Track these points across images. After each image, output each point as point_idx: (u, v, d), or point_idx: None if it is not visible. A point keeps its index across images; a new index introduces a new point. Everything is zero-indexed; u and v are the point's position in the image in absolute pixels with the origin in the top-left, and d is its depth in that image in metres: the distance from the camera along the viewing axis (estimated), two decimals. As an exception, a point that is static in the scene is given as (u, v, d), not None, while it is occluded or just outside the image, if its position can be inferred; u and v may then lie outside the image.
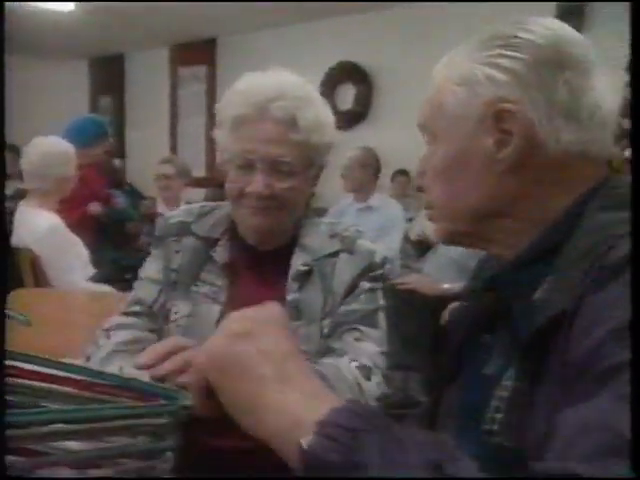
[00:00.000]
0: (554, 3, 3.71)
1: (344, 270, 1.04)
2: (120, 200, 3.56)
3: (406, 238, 3.22)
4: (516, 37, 0.63)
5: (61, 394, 0.53)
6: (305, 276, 1.04)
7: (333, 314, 1.02)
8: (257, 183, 0.99)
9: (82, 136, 3.11)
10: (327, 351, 1.00)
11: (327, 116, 1.05)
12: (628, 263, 0.52)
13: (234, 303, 1.02)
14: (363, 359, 0.96)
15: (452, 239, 0.73)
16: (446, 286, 2.24)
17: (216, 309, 1.03)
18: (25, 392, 0.54)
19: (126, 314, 1.07)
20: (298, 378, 0.49)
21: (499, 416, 0.61)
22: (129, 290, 1.15)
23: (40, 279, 2.30)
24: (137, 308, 1.06)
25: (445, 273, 2.36)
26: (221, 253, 1.07)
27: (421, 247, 3.09)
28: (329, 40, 4.97)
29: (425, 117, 0.70)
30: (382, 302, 1.06)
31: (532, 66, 0.62)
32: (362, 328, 1.01)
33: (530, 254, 0.64)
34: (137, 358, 0.73)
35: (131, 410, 0.53)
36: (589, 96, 0.63)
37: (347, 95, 4.99)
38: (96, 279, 2.38)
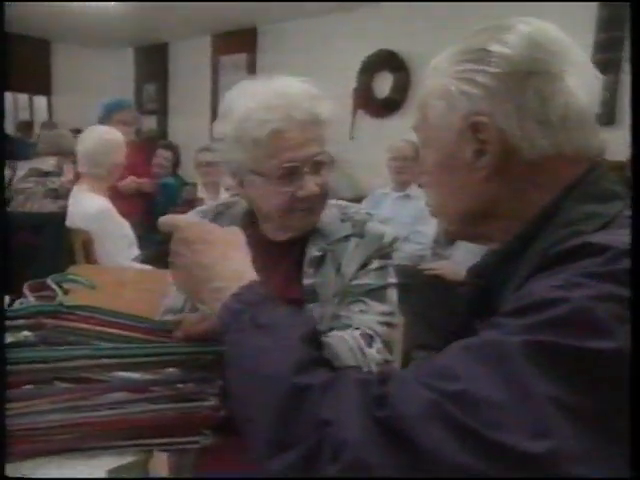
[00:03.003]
0: (594, 14, 3.66)
1: (355, 254, 1.09)
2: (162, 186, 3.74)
3: (439, 226, 3.28)
4: (486, 50, 0.67)
5: (127, 337, 0.67)
6: (319, 260, 1.09)
7: (343, 291, 1.07)
8: (309, 185, 1.04)
9: (102, 112, 3.40)
10: (333, 318, 1.06)
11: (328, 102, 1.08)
12: (563, 257, 0.55)
13: None
14: (365, 329, 1.02)
15: (453, 236, 0.79)
16: (472, 272, 2.31)
17: None
18: (86, 335, 0.68)
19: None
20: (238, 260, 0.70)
21: None
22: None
23: (91, 258, 2.48)
24: (169, 316, 1.11)
25: (472, 261, 2.43)
26: None
27: (453, 235, 3.14)
28: (367, 29, 5.01)
29: (415, 123, 0.76)
30: (392, 279, 1.11)
31: (501, 78, 0.65)
32: (368, 301, 1.06)
33: (507, 248, 0.68)
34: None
35: (187, 348, 0.68)
36: (560, 99, 0.65)
37: (384, 83, 5.03)
38: (139, 260, 2.54)
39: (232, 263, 0.69)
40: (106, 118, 3.35)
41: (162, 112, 6.93)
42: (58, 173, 3.10)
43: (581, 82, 0.66)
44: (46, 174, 3.04)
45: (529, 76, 0.65)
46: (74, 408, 0.62)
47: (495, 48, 0.66)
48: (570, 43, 0.68)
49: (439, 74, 0.71)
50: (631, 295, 0.50)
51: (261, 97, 1.03)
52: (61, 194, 2.92)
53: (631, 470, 0.46)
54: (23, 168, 3.07)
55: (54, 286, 0.70)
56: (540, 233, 0.64)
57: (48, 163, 3.14)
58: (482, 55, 0.67)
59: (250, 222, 1.16)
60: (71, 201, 2.64)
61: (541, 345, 0.49)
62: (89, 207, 2.51)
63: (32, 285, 0.72)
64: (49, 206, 2.91)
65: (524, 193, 0.67)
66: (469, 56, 0.68)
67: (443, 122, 0.69)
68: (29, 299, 0.69)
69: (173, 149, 4.57)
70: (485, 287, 0.72)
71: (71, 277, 0.75)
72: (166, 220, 0.75)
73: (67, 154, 3.23)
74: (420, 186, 0.79)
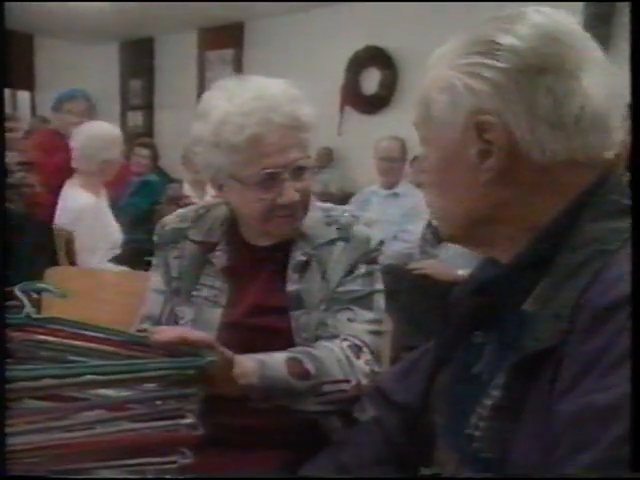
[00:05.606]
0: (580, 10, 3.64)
1: (341, 258, 1.06)
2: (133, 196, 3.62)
3: (428, 224, 3.26)
4: (495, 42, 0.61)
5: (100, 351, 0.63)
6: (304, 265, 1.05)
7: (330, 298, 1.05)
8: (288, 192, 0.99)
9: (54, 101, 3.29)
10: (320, 325, 1.03)
11: (310, 104, 1.04)
12: (623, 304, 0.51)
13: (235, 304, 1.06)
14: (354, 339, 1.00)
15: (453, 240, 0.73)
16: (460, 272, 2.29)
17: (217, 312, 1.05)
18: (57, 349, 0.64)
19: (139, 332, 1.03)
20: None
21: (482, 424, 0.62)
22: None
23: (72, 257, 2.42)
24: (147, 324, 1.07)
25: (460, 260, 2.40)
26: (220, 257, 1.08)
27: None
28: (355, 24, 4.98)
29: (416, 118, 0.69)
30: (378, 285, 1.08)
31: (512, 75, 0.60)
32: (355, 309, 1.03)
33: (520, 262, 0.64)
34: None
35: (166, 363, 0.64)
36: (575, 99, 0.59)
37: (372, 80, 5.01)
38: (117, 261, 2.48)
39: None
40: (57, 108, 3.20)
41: (148, 107, 6.85)
42: None
43: (597, 81, 0.60)
44: None
45: (541, 73, 0.59)
46: (45, 430, 0.58)
47: (504, 40, 0.60)
48: (586, 36, 0.62)
49: (443, 65, 0.65)
50: (632, 298, 0.49)
51: (239, 100, 0.98)
52: None
53: (631, 470, 0.45)
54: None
55: (21, 296, 0.66)
56: (557, 248, 0.59)
57: None
58: (490, 47, 0.61)
59: (232, 226, 1.12)
60: (61, 197, 2.58)
61: None
62: (73, 202, 2.48)
63: (-2, 294, 0.67)
64: None
65: (533, 199, 0.63)
66: (476, 48, 0.62)
67: (446, 118, 0.64)
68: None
69: (150, 147, 4.50)
70: (490, 300, 0.68)
71: (40, 286, 0.70)
72: None
73: None
74: (419, 185, 0.75)
